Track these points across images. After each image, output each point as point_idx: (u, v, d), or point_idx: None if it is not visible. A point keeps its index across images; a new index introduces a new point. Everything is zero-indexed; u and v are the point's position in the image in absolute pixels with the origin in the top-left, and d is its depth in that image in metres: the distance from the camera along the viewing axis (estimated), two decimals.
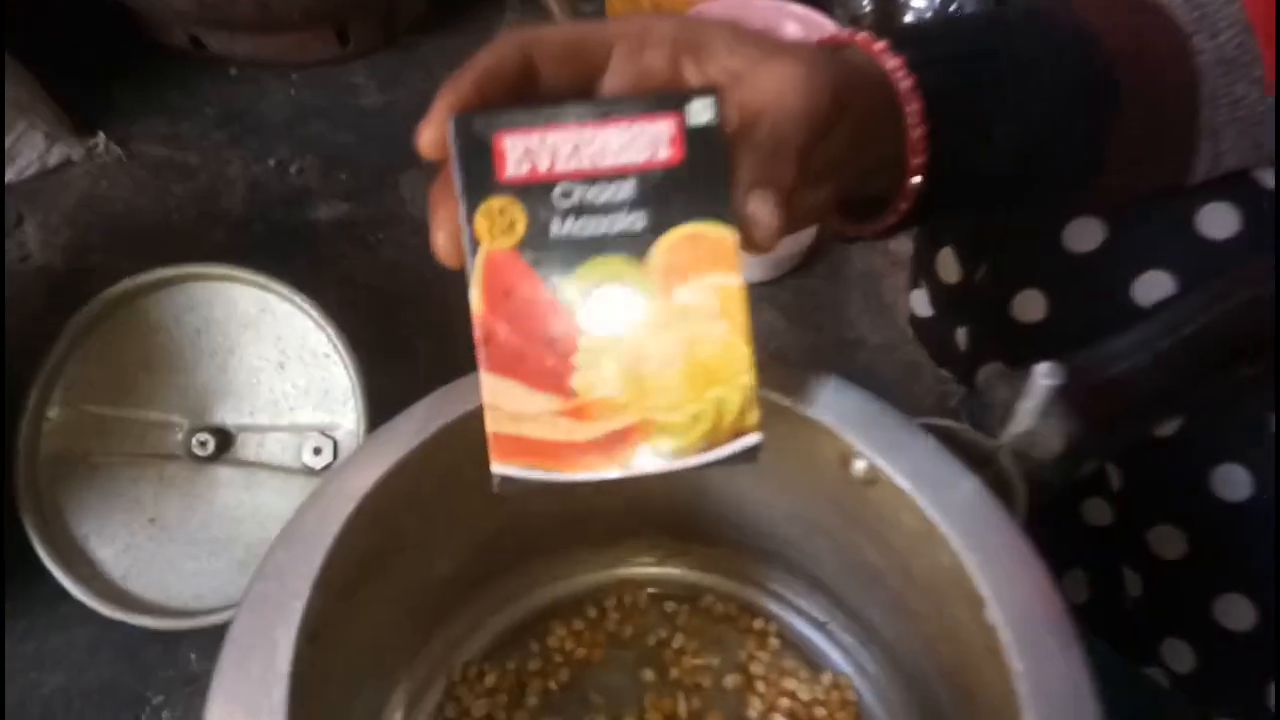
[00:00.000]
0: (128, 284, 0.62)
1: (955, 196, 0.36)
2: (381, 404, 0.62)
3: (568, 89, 0.30)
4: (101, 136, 0.86)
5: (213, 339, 0.63)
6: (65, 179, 0.83)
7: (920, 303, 0.61)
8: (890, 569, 0.41)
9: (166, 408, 0.62)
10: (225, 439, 0.62)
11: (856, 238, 0.37)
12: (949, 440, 0.35)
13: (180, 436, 0.62)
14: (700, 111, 0.27)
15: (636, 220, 0.27)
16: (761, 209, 0.27)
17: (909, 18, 1.00)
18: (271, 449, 0.62)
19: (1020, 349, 0.50)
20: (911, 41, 0.34)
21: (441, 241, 0.28)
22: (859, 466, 0.37)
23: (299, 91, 0.93)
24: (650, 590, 0.48)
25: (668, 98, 0.27)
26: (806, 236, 0.79)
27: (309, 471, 0.62)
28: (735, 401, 0.28)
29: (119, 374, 0.62)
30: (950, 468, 0.35)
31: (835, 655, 0.46)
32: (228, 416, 0.63)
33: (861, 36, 0.34)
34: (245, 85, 0.93)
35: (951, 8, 0.98)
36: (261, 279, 0.62)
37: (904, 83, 0.33)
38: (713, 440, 0.28)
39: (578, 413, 0.28)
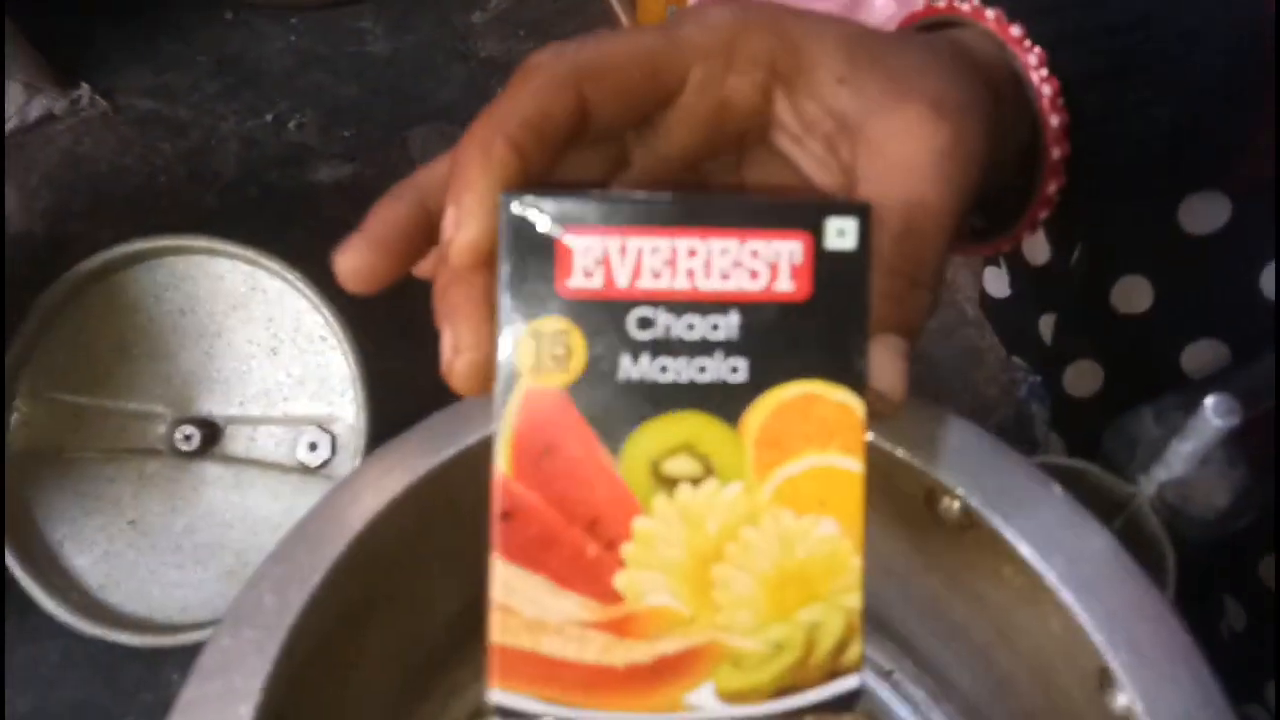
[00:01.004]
0: (102, 257, 0.55)
1: (1086, 193, 0.28)
2: (388, 390, 0.56)
3: (625, 125, 0.22)
4: (85, 88, 0.79)
5: (198, 320, 0.57)
6: (46, 135, 0.76)
7: (996, 282, 0.53)
8: (978, 625, 0.34)
9: (147, 397, 0.56)
10: (212, 432, 0.56)
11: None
12: (1075, 483, 0.28)
13: (162, 429, 0.56)
14: (841, 233, 0.19)
15: (734, 369, 0.19)
16: (892, 364, 0.21)
17: None
18: (263, 444, 0.56)
19: (1116, 345, 0.43)
20: (1040, 10, 0.26)
21: (462, 367, 0.21)
22: (951, 507, 0.30)
23: (299, 38, 0.85)
24: None
25: (801, 208, 0.19)
26: None
27: (304, 469, 0.55)
28: (835, 628, 0.20)
29: (93, 359, 0.56)
30: (1076, 519, 0.28)
31: (901, 710, 0.40)
32: (215, 407, 0.56)
33: (971, 6, 0.26)
34: (240, 30, 0.85)
35: None
36: (251, 253, 0.55)
37: (1038, 72, 0.25)
38: (797, 679, 0.21)
39: (620, 626, 0.20)
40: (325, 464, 0.55)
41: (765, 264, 0.19)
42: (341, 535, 0.28)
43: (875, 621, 0.40)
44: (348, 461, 0.55)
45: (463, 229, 0.20)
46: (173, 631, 0.52)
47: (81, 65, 0.79)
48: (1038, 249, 0.47)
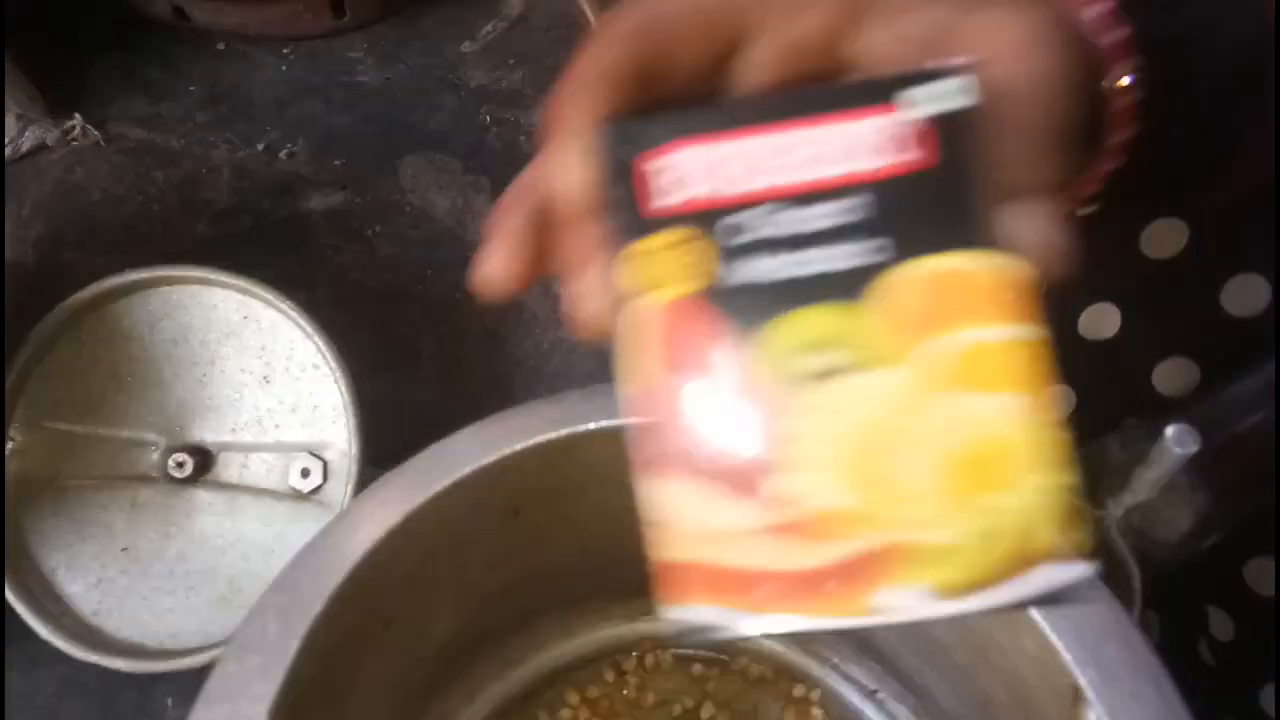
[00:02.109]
0: (96, 288, 0.56)
1: (1139, 180, 0.28)
2: (380, 416, 0.57)
3: (696, 75, 0.22)
4: (78, 118, 0.79)
5: (191, 349, 0.57)
6: (39, 165, 0.77)
7: None
8: (960, 645, 0.35)
9: (140, 425, 0.57)
10: (205, 459, 0.57)
11: None
12: None
13: (156, 457, 0.56)
14: (948, 94, 0.19)
15: (862, 253, 0.19)
16: (1043, 223, 0.19)
17: None
18: (256, 470, 0.57)
19: (1086, 370, 0.44)
20: None
21: (592, 307, 0.21)
22: None
23: (291, 68, 0.86)
24: (676, 650, 0.42)
25: (894, 79, 0.19)
26: None
27: (297, 495, 0.56)
28: (1036, 510, 0.19)
29: (88, 388, 0.56)
30: None
31: None
32: (207, 435, 0.57)
33: None
34: (232, 61, 0.86)
35: None
36: (244, 283, 0.56)
37: (1113, 34, 0.24)
38: (1005, 569, 0.19)
39: (792, 529, 0.19)
40: (317, 489, 0.56)
41: (879, 139, 0.19)
42: (341, 565, 0.29)
43: (859, 643, 0.41)
44: (340, 487, 0.56)
45: (563, 175, 0.21)
46: (166, 657, 0.53)
47: (74, 96, 0.80)
48: None
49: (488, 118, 0.83)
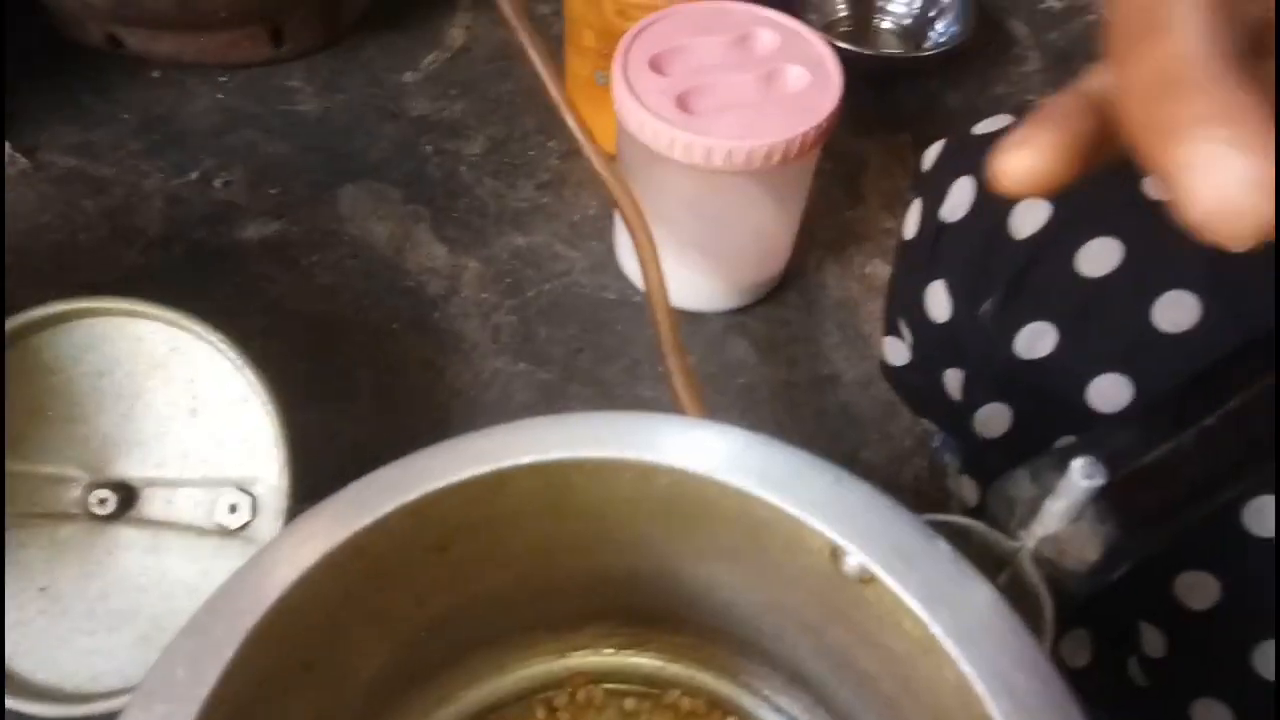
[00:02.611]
0: (18, 320, 0.54)
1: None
2: (310, 450, 0.56)
3: None
4: (7, 146, 0.78)
5: (116, 382, 0.56)
6: None
7: (895, 352, 0.56)
8: (885, 675, 0.35)
9: (61, 460, 0.55)
10: (128, 495, 0.55)
11: None
12: (962, 539, 0.30)
13: (77, 493, 0.55)
14: None
15: None
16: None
17: (886, 24, 0.95)
18: (181, 506, 0.55)
19: (1022, 387, 0.46)
20: None
21: (1219, 182, 0.15)
22: (851, 564, 0.32)
23: (227, 96, 0.85)
24: (607, 685, 0.42)
25: None
26: (779, 260, 0.74)
27: (223, 531, 0.55)
28: None
29: (8, 423, 0.55)
30: (961, 574, 0.29)
31: None
32: (132, 470, 0.56)
33: None
34: (167, 88, 0.85)
35: (931, 13, 0.93)
36: (173, 314, 0.55)
37: None
38: None
39: None
40: (245, 525, 0.55)
41: None
42: (257, 606, 0.28)
43: (791, 673, 0.41)
44: (269, 523, 0.54)
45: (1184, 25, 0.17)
46: (84, 701, 0.51)
47: (4, 123, 0.78)
48: (940, 305, 0.49)
49: (429, 147, 0.83)
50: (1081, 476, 0.26)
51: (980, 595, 0.29)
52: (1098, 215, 0.43)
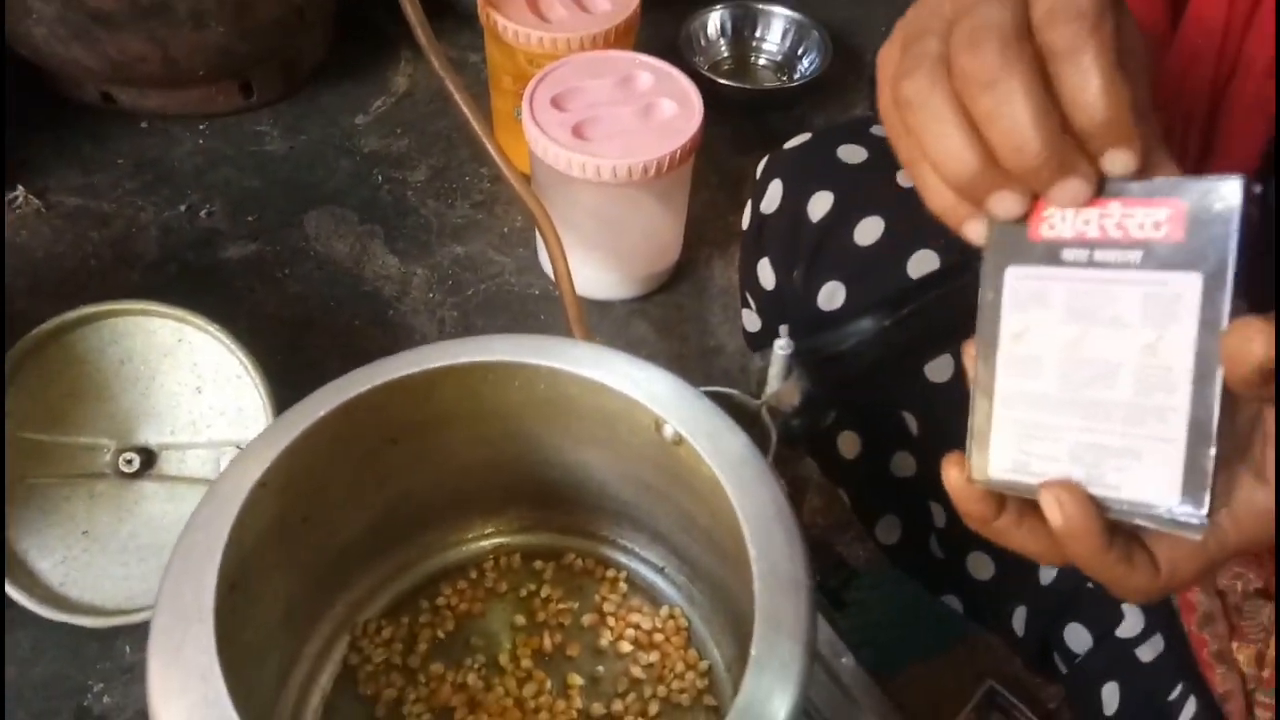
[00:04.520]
0: (55, 322, 0.69)
1: None
2: None
3: None
4: (20, 190, 0.92)
5: (135, 368, 0.71)
6: None
7: (750, 320, 0.72)
8: (699, 512, 0.51)
9: (95, 432, 0.70)
10: (149, 457, 0.70)
11: None
12: (729, 404, 0.46)
13: (108, 457, 0.69)
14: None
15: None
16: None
17: (763, 61, 1.12)
18: (191, 464, 0.70)
19: (812, 328, 0.61)
20: None
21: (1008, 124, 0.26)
22: (669, 432, 0.47)
23: (207, 141, 1.01)
24: (522, 553, 0.58)
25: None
26: (670, 255, 0.90)
27: None
28: None
29: (51, 404, 0.69)
30: (729, 429, 0.45)
31: (671, 592, 0.56)
32: (151, 437, 0.70)
33: None
34: (155, 136, 1.00)
35: (799, 49, 1.10)
36: (178, 311, 0.70)
37: None
38: None
39: None
40: None
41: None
42: (263, 464, 0.43)
43: (652, 532, 0.56)
44: None
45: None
46: (122, 614, 0.65)
47: (17, 171, 0.93)
48: (767, 278, 0.65)
49: (379, 177, 0.99)
50: (779, 347, 0.42)
51: (738, 441, 0.45)
52: (866, 200, 0.59)
